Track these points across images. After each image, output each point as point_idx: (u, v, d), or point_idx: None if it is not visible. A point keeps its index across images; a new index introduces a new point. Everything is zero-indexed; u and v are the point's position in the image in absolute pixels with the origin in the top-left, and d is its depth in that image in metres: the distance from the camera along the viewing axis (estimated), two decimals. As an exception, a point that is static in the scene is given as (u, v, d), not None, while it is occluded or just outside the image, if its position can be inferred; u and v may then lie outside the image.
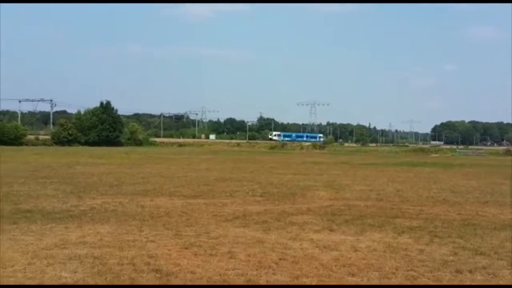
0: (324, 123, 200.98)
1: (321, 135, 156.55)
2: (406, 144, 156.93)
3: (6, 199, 12.99)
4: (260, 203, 13.48)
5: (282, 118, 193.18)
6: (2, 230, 8.97)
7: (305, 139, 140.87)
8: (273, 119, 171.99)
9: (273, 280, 6.33)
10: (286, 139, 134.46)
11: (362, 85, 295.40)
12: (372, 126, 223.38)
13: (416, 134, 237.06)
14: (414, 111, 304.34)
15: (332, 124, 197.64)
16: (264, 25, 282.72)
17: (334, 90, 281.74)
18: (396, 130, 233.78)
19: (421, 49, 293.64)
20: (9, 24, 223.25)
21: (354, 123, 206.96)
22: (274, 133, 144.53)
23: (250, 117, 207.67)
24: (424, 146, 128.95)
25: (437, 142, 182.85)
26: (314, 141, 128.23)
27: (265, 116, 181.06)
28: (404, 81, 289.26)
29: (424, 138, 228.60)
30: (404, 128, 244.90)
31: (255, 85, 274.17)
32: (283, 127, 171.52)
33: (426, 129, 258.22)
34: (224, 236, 8.85)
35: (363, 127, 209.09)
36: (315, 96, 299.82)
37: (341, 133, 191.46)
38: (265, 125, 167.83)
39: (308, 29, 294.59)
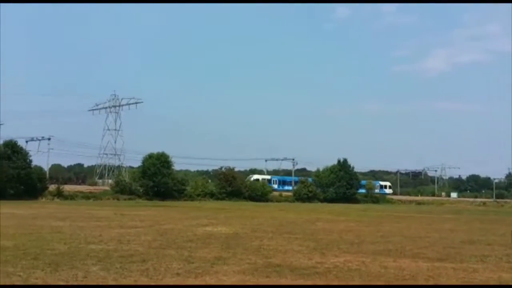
0: None
1: (388, 183, 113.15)
2: None
3: (258, 253, 14.07)
4: (518, 271, 11.96)
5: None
6: (257, 283, 9.73)
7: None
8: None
9: None
10: (287, 187, 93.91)
11: None
12: None
13: None
14: None
15: None
16: (504, 76, 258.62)
17: None
18: None
19: None
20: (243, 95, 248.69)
21: None
22: (255, 177, 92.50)
23: (497, 174, 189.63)
24: None
25: None
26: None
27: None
28: None
29: None
30: None
31: (499, 138, 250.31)
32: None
33: None
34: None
35: None
36: None
37: None
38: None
39: None
